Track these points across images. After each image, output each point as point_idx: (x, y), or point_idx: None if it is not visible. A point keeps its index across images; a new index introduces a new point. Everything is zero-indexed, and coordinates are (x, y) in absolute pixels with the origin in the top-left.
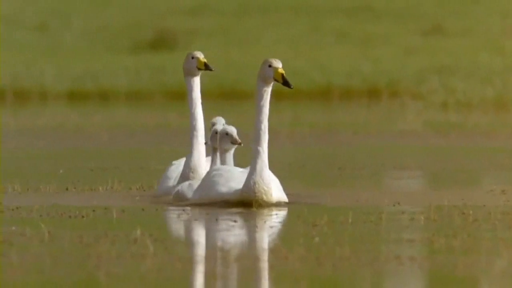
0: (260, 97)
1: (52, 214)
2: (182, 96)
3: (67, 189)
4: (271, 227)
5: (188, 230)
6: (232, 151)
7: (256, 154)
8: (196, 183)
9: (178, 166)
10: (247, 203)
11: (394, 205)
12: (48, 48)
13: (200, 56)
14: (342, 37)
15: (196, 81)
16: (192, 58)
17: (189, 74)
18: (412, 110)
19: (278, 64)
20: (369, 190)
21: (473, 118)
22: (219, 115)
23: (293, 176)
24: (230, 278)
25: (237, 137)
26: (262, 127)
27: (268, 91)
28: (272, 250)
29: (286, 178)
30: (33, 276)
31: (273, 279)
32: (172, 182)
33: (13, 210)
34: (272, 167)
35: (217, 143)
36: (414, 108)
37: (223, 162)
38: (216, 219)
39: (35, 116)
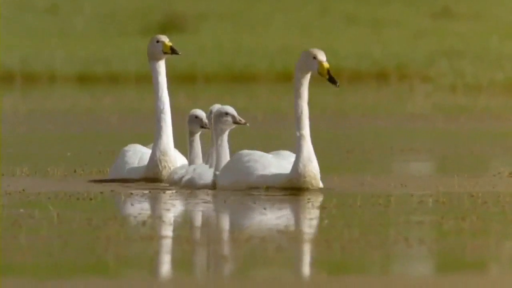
0: (299, 85)
1: (60, 196)
2: (192, 79)
3: (75, 171)
4: (280, 209)
5: (196, 212)
6: (227, 132)
7: (300, 139)
8: (204, 169)
9: (135, 152)
10: (295, 188)
11: (402, 187)
12: (58, 31)
13: (166, 40)
14: (351, 21)
15: (161, 65)
16: (157, 42)
17: (154, 58)
18: (421, 93)
19: (323, 57)
20: (377, 173)
21: (482, 101)
22: (229, 98)
23: None
24: (239, 259)
25: (239, 117)
26: (303, 111)
27: (307, 78)
28: (281, 232)
29: None
30: (42, 259)
31: (281, 261)
32: (130, 166)
33: (21, 192)
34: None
35: (225, 125)
36: (423, 91)
37: (218, 142)
38: (224, 201)
39: (45, 99)
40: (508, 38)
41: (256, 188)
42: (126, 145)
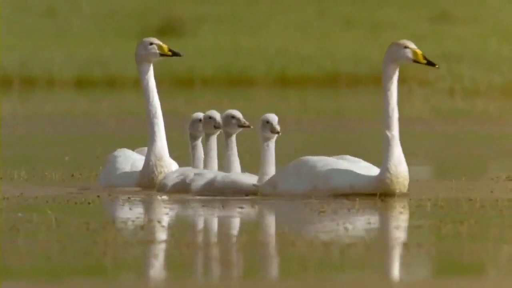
0: (389, 80)
1: (58, 200)
2: (190, 83)
3: (73, 175)
4: (278, 213)
5: (195, 217)
6: (235, 136)
7: (390, 140)
8: (208, 173)
9: (126, 157)
10: (384, 192)
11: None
12: (56, 34)
13: (160, 42)
14: (349, 24)
15: (151, 68)
16: (151, 44)
17: (146, 61)
18: (419, 97)
19: (412, 44)
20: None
21: (480, 105)
22: (228, 101)
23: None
24: (237, 264)
25: (245, 120)
26: (394, 110)
27: (397, 72)
28: (279, 236)
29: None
30: (40, 263)
31: (280, 265)
32: (123, 172)
33: (19, 196)
34: (279, 154)
35: (230, 128)
36: (421, 94)
37: (228, 146)
38: (223, 206)
39: (43, 103)
40: (506, 41)
41: (337, 194)
42: (124, 148)
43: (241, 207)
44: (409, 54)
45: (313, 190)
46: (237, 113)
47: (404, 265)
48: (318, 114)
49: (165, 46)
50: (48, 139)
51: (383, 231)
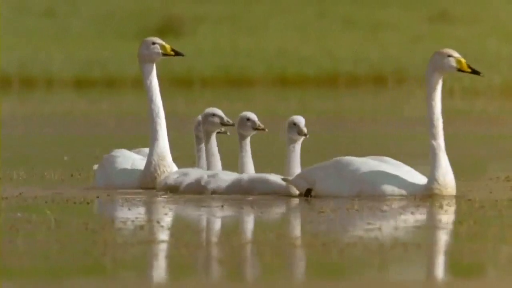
0: (433, 89)
1: (57, 200)
2: (189, 83)
3: (72, 175)
4: (277, 213)
5: (194, 217)
6: (249, 138)
7: (435, 150)
8: (220, 174)
9: (125, 157)
10: (430, 197)
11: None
12: (55, 35)
13: (163, 42)
14: (349, 24)
15: (154, 68)
16: (153, 44)
17: (149, 61)
18: (419, 97)
19: (456, 53)
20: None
21: (480, 105)
22: (227, 102)
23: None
24: (236, 264)
25: (260, 123)
26: (438, 119)
27: (441, 81)
28: (278, 237)
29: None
30: (40, 263)
31: (279, 265)
32: (123, 171)
33: (18, 196)
34: (278, 155)
35: (245, 130)
36: (420, 95)
37: (243, 148)
38: (222, 206)
39: (42, 103)
40: (506, 41)
41: (381, 196)
42: (123, 148)
43: (241, 208)
44: (453, 63)
45: (358, 194)
46: (253, 116)
47: (403, 265)
48: (317, 114)
49: (167, 46)
50: (47, 139)
51: (383, 231)
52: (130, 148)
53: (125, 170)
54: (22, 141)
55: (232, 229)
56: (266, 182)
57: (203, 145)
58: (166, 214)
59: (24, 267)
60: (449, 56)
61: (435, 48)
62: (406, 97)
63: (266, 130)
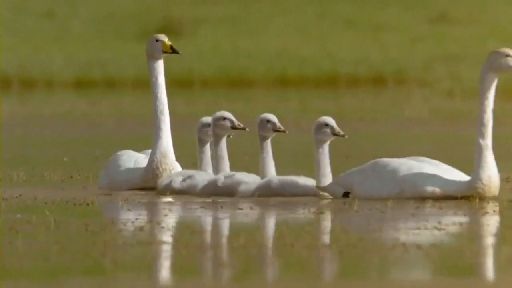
0: (487, 88)
1: (57, 201)
2: (189, 84)
3: (71, 177)
4: (277, 214)
5: (194, 218)
6: (270, 139)
7: (482, 149)
8: (238, 175)
9: (129, 155)
10: (472, 196)
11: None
12: (55, 35)
13: (165, 39)
14: (349, 25)
15: (160, 65)
16: (157, 41)
17: (153, 57)
18: (419, 98)
19: None
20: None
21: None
22: (227, 103)
23: (299, 164)
24: (237, 265)
25: (280, 125)
26: (490, 119)
27: (495, 81)
28: (278, 238)
29: (292, 165)
30: (39, 264)
31: (279, 267)
32: (125, 169)
33: (17, 197)
34: (278, 155)
35: (265, 132)
36: (420, 95)
37: (264, 149)
38: (222, 207)
39: (42, 104)
40: (505, 42)
41: (423, 197)
42: (123, 149)
43: (241, 209)
44: (511, 63)
45: (399, 194)
46: (273, 117)
47: (403, 266)
48: (317, 115)
49: (168, 43)
50: (47, 140)
51: (382, 232)
52: (132, 149)
53: (127, 168)
54: (22, 142)
55: (232, 231)
56: (296, 184)
57: (205, 148)
58: (166, 215)
59: (24, 268)
60: (507, 56)
61: (435, 49)
62: (406, 98)
63: (287, 131)
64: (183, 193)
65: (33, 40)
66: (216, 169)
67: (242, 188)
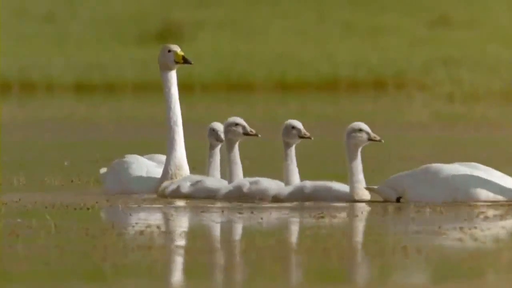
0: None
1: (57, 206)
2: (189, 88)
3: (72, 181)
4: (277, 219)
5: (195, 222)
6: (294, 145)
7: None
8: (262, 181)
9: (140, 163)
10: None
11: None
12: (55, 39)
13: (177, 49)
14: (349, 29)
15: (173, 75)
16: (169, 51)
17: (166, 68)
18: (419, 101)
19: None
20: (375, 181)
21: (480, 109)
22: (227, 106)
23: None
24: (238, 269)
25: (305, 131)
26: None
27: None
28: (279, 242)
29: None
30: (40, 268)
31: (280, 271)
32: (139, 178)
33: (17, 202)
34: (277, 159)
35: (290, 138)
36: (420, 99)
37: (288, 156)
38: (222, 211)
39: (42, 108)
40: (505, 46)
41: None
42: (123, 153)
43: (241, 213)
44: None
45: (453, 200)
46: (298, 124)
47: (403, 269)
48: (317, 119)
49: (180, 54)
50: (47, 145)
51: (383, 235)
52: (132, 152)
53: (140, 177)
54: (22, 146)
55: (233, 235)
56: (330, 189)
57: (214, 152)
58: (167, 219)
59: (24, 272)
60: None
61: (435, 52)
62: (405, 101)
63: (312, 138)
64: (192, 198)
65: (33, 44)
66: (230, 174)
67: (274, 193)
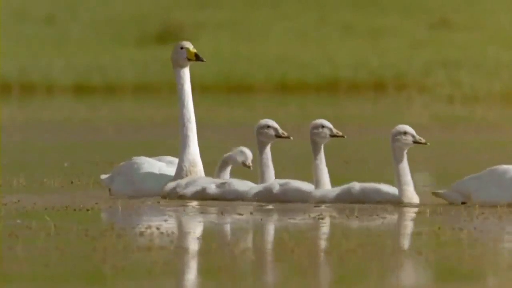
0: None
1: (57, 207)
2: None
3: (71, 182)
4: (277, 220)
5: (195, 224)
6: (322, 146)
7: None
8: (293, 183)
9: (150, 163)
10: None
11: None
12: (55, 41)
13: (190, 46)
14: (349, 30)
15: (186, 73)
16: (181, 48)
17: (178, 65)
18: (419, 104)
19: None
20: (375, 183)
21: (480, 111)
22: (227, 108)
23: (299, 170)
24: (237, 271)
25: (337, 130)
26: None
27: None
28: (279, 244)
29: (292, 171)
30: (39, 269)
31: (279, 272)
32: (151, 179)
33: (17, 203)
34: (278, 161)
35: (319, 137)
36: (420, 101)
37: (316, 155)
38: (222, 213)
39: (42, 110)
40: (506, 48)
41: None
42: (123, 155)
43: (240, 214)
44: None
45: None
46: (327, 123)
47: (404, 271)
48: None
49: (192, 51)
50: (47, 146)
51: (383, 237)
52: (133, 154)
53: (153, 175)
54: (22, 147)
55: (232, 236)
56: (379, 191)
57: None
58: (166, 220)
59: (24, 273)
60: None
61: (435, 54)
62: (405, 103)
63: (345, 136)
64: (218, 199)
65: (32, 45)
66: (261, 176)
67: (317, 194)
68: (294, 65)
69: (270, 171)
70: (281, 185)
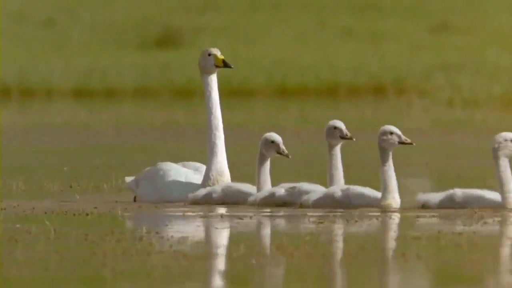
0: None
1: (56, 211)
2: (189, 94)
3: (71, 186)
4: (277, 224)
5: (194, 228)
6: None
7: None
8: (355, 188)
9: (177, 170)
10: None
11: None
12: (55, 44)
13: (217, 53)
14: (349, 34)
15: (214, 79)
16: (209, 55)
17: (206, 72)
18: (419, 107)
19: None
20: (375, 187)
21: (480, 115)
22: (227, 112)
23: (299, 174)
24: (236, 275)
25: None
26: None
27: None
28: (278, 247)
29: (292, 175)
30: (39, 274)
31: (279, 276)
32: (180, 187)
33: (16, 207)
34: (278, 163)
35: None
36: (420, 105)
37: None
38: (221, 216)
39: (42, 113)
40: (506, 51)
41: None
42: (123, 159)
43: (241, 218)
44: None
45: None
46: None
47: (403, 276)
48: (317, 124)
49: (220, 58)
50: (47, 150)
51: (382, 242)
52: (133, 157)
53: (179, 183)
54: (22, 151)
55: (232, 240)
56: (482, 198)
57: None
58: (166, 225)
59: (24, 278)
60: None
61: (435, 58)
62: (405, 107)
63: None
64: (287, 205)
65: (32, 49)
66: (330, 179)
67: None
68: (294, 68)
69: (340, 173)
70: (343, 190)
